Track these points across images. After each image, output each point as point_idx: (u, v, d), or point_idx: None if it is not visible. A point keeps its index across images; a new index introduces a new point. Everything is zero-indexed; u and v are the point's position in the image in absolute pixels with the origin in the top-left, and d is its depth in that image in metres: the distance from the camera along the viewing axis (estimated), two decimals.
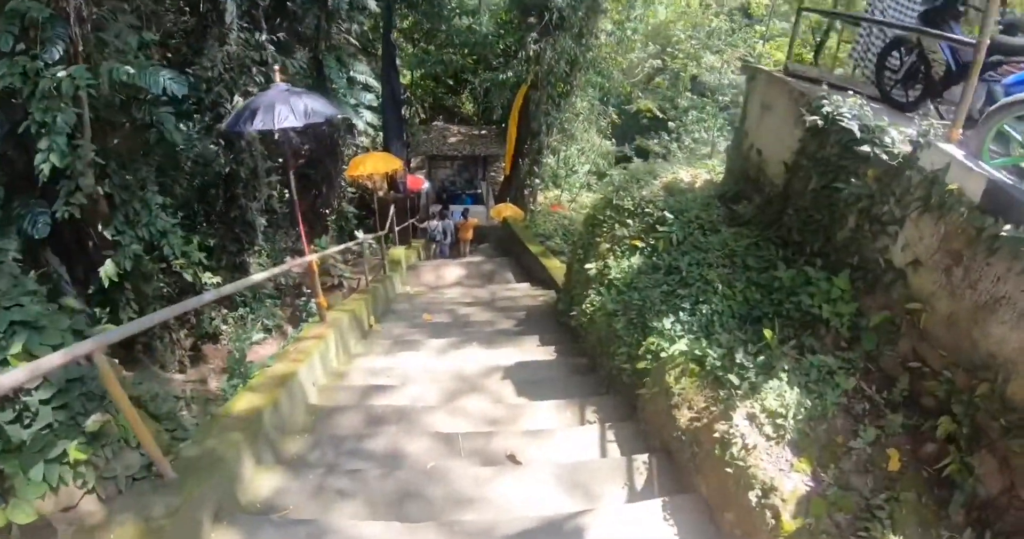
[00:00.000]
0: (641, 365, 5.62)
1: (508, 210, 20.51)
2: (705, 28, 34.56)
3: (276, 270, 6.93)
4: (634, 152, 36.68)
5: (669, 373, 5.15)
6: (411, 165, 29.20)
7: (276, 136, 8.78)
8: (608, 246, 8.11)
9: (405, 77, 29.10)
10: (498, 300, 12.28)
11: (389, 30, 14.75)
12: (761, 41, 34.25)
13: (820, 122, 5.57)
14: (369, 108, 16.55)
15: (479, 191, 29.47)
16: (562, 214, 19.96)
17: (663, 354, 5.36)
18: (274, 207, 14.81)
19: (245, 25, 12.31)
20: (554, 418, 5.89)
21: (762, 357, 4.77)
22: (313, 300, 10.21)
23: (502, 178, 30.60)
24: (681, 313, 5.70)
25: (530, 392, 6.52)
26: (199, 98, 11.89)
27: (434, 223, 21.06)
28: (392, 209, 15.40)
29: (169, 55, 12.26)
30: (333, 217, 18.30)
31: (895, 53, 6.54)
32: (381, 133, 16.38)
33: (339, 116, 8.99)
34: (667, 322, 5.63)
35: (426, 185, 24.53)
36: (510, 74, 24.18)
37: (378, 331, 9.47)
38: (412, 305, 11.81)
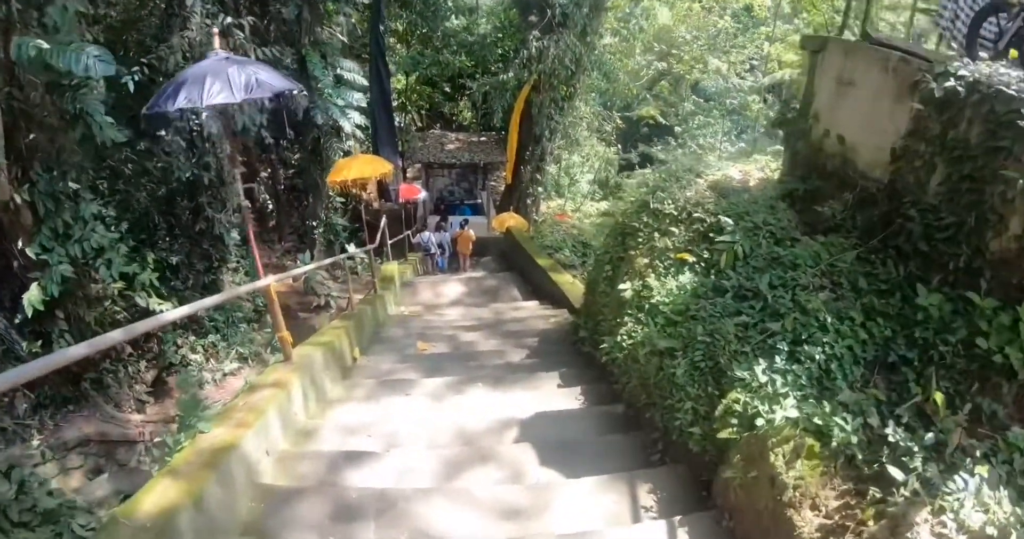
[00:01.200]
0: (723, 433, 3.96)
1: (511, 220, 18.91)
2: (709, 30, 33.07)
3: (216, 299, 5.26)
4: (639, 159, 35.28)
5: (775, 451, 3.50)
6: (407, 174, 27.68)
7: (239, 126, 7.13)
8: (646, 261, 6.49)
9: (399, 82, 27.58)
10: (504, 322, 10.63)
11: (378, 22, 13.17)
12: (767, 42, 32.89)
13: (948, 94, 4.01)
14: (358, 109, 14.96)
15: (479, 201, 27.89)
16: (570, 224, 18.36)
17: (759, 420, 3.70)
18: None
19: (211, 9, 10.70)
20: (597, 506, 4.21)
21: (928, 434, 3.12)
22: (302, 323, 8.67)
23: (503, 187, 29.13)
24: (777, 357, 4.04)
25: (558, 462, 4.85)
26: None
27: (427, 235, 19.44)
28: (384, 220, 13.77)
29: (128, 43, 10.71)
30: (321, 230, 16.67)
31: (992, 19, 5.34)
32: (371, 137, 14.73)
33: (295, 91, 7.31)
34: (758, 370, 3.97)
35: (423, 194, 22.90)
36: (511, 75, 22.66)
37: (363, 366, 7.82)
38: (406, 329, 10.15)
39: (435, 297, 13.80)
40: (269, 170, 18.17)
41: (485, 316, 11.34)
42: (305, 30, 13.85)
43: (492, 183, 29.64)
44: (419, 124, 30.94)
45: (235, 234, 12.28)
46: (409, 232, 20.51)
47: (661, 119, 35.95)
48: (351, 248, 13.18)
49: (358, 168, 11.27)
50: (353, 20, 17.66)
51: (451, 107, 34.04)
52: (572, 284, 12.53)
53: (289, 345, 6.13)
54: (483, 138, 27.46)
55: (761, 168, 7.88)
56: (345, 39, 14.88)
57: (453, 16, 23.94)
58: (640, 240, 6.69)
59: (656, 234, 6.58)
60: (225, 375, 11.97)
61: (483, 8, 27.70)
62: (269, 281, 5.71)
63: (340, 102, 14.75)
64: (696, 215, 6.33)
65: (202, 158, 10.53)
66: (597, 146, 31.58)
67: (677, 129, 34.77)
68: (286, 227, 17.93)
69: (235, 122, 10.16)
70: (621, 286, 6.47)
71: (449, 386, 6.75)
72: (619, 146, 34.04)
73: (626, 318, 6.26)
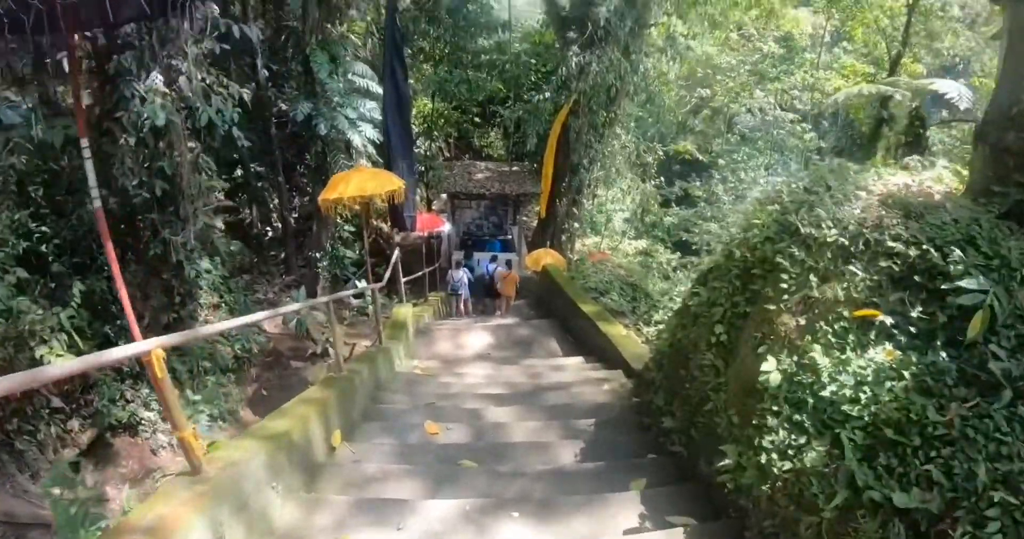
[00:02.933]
0: None
1: (548, 257, 16.41)
2: (752, 57, 30.72)
3: (72, 367, 2.82)
4: (675, 195, 32.85)
5: None
6: (431, 205, 25.39)
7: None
8: (798, 320, 3.92)
9: (424, 105, 25.46)
10: (544, 390, 8.02)
11: (394, 10, 10.91)
12: (811, 70, 30.55)
13: None
14: (371, 122, 12.67)
15: (509, 236, 25.47)
16: (615, 263, 15.80)
17: None
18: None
19: None
20: None
21: None
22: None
23: (535, 222, 26.74)
24: None
25: None
26: None
27: (460, 273, 17.01)
28: (397, 253, 11.31)
29: None
30: (325, 262, 14.26)
31: None
32: (384, 149, 12.37)
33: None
34: None
35: (447, 227, 20.58)
36: (547, 97, 20.45)
37: (341, 463, 5.27)
38: (413, 397, 7.58)
39: (456, 349, 11.22)
40: (275, 192, 15.91)
41: (518, 379, 8.74)
42: (311, 25, 11.62)
43: (523, 218, 27.26)
44: (446, 154, 28.81)
45: (205, 262, 9.90)
46: (431, 268, 18.09)
47: (697, 154, 33.68)
48: (360, 284, 10.81)
49: (358, 183, 8.72)
50: (369, 17, 15.45)
51: (481, 136, 31.97)
52: (627, 338, 9.94)
53: (196, 450, 3.61)
54: (515, 168, 25.20)
55: (934, 180, 5.31)
56: (357, 40, 12.67)
57: (485, 34, 21.73)
58: (785, 286, 4.14)
59: (813, 277, 4.04)
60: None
61: (517, 29, 25.62)
62: (150, 345, 3.20)
63: (351, 113, 12.45)
64: (888, 244, 3.79)
65: (154, 162, 8.11)
66: (636, 180, 29.12)
67: (721, 161, 32.49)
68: (295, 259, 15.56)
69: (197, 116, 7.86)
70: (764, 366, 3.90)
71: (466, 516, 4.15)
72: (661, 179, 31.55)
73: (768, 418, 3.71)
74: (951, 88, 15.31)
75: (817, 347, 3.84)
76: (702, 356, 4.97)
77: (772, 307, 4.17)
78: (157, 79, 7.91)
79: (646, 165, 28.38)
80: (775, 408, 3.83)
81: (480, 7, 20.91)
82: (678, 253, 30.38)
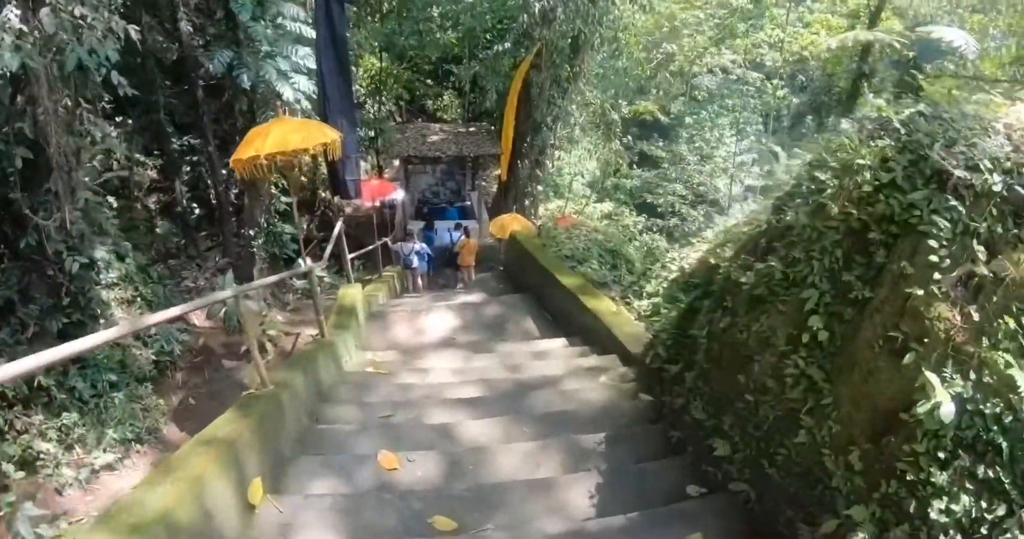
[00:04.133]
0: None
1: (515, 223, 14.78)
2: (720, 11, 29.06)
3: None
4: (637, 158, 31.47)
5: None
6: (382, 172, 23.54)
7: None
8: (967, 311, 2.35)
9: (373, 65, 23.42)
10: (528, 389, 6.47)
11: None
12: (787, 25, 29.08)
13: None
14: (306, 73, 10.81)
15: (468, 203, 23.77)
16: (590, 226, 14.21)
17: None
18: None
19: None
20: None
21: None
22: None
23: (495, 187, 25.09)
24: None
25: None
26: None
27: (410, 245, 15.32)
28: (340, 226, 9.58)
29: None
30: (260, 241, 12.45)
31: None
32: (318, 101, 10.40)
33: None
34: None
35: (400, 194, 18.76)
36: (507, 47, 18.66)
37: (261, 534, 3.67)
38: (363, 410, 5.94)
39: (416, 334, 9.57)
40: (193, 158, 13.96)
41: (494, 373, 7.15)
42: None
43: (482, 183, 25.55)
44: (398, 119, 26.83)
45: (101, 251, 8.10)
46: (385, 241, 16.35)
47: (659, 115, 32.26)
48: (304, 263, 9.20)
49: (278, 137, 6.69)
50: None
51: (435, 97, 30.01)
52: (617, 315, 8.44)
53: None
54: (472, 129, 23.36)
55: None
56: None
57: None
58: (934, 259, 2.62)
59: (975, 243, 2.50)
60: (96, 471, 7.75)
61: None
62: None
63: (282, 63, 10.58)
64: None
65: (11, 122, 6.23)
66: (601, 139, 27.54)
67: (688, 120, 31.12)
68: (232, 239, 13.67)
69: (65, 56, 6.00)
70: (919, 386, 2.40)
71: None
72: (629, 138, 30.05)
73: (933, 471, 2.23)
74: (956, 36, 13.87)
75: (1004, 357, 2.35)
76: (779, 360, 3.45)
77: (917, 292, 2.63)
78: (11, 12, 6.03)
79: (611, 123, 26.77)
80: (942, 455, 2.34)
81: None
82: (644, 215, 29.22)
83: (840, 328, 3.22)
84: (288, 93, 10.27)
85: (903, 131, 3.16)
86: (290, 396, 5.12)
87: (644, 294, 9.65)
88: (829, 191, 3.48)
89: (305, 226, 18.83)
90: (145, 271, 10.52)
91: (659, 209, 29.74)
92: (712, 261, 6.21)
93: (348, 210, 23.49)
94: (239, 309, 4.88)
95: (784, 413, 3.46)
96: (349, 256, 10.50)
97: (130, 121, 12.89)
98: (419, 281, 15.99)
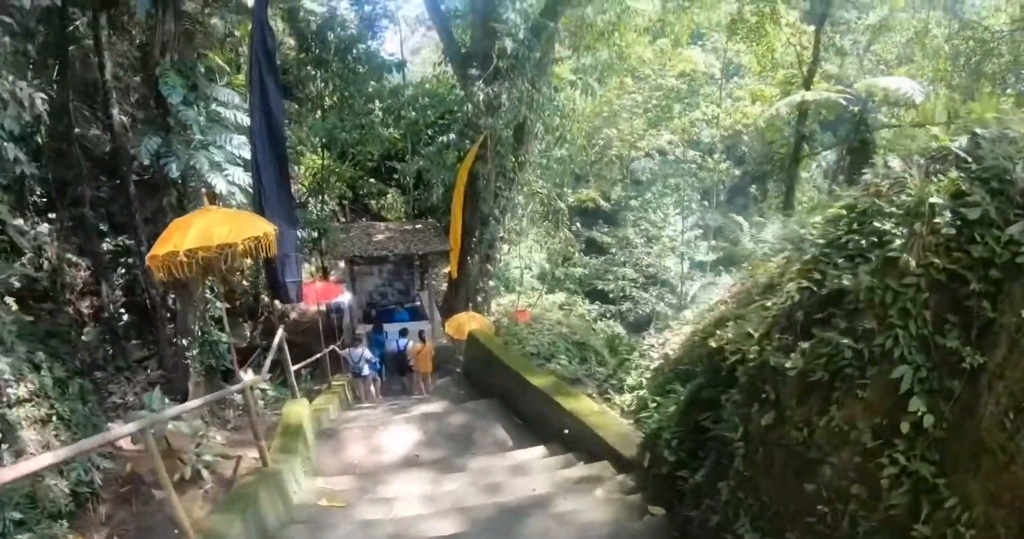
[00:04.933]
0: None
1: (473, 322, 13.88)
2: (656, 93, 29.57)
3: None
4: (584, 246, 31.26)
5: None
6: (327, 274, 22.55)
7: None
8: None
9: (314, 161, 22.82)
10: (514, 516, 5.43)
11: (263, 13, 8.22)
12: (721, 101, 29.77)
13: None
14: (241, 163, 9.96)
15: (418, 303, 22.78)
16: (552, 319, 13.41)
17: None
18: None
19: None
20: None
21: None
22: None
23: (445, 285, 24.26)
24: None
25: None
26: None
27: (357, 351, 14.25)
28: (281, 334, 8.53)
29: None
30: (195, 351, 11.24)
31: None
32: (253, 194, 9.41)
33: None
34: None
35: (347, 296, 17.77)
36: (451, 137, 18.24)
37: None
38: None
39: (373, 453, 8.38)
40: (128, 261, 12.87)
41: (471, 500, 6.05)
42: (162, 40, 8.99)
43: (431, 282, 24.69)
44: (341, 219, 26.10)
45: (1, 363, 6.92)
46: (333, 347, 15.21)
47: (601, 202, 32.39)
48: (246, 375, 8.12)
49: (200, 230, 5.62)
50: (238, 34, 12.75)
51: (379, 196, 29.54)
52: (601, 415, 7.53)
53: None
54: (419, 226, 22.69)
55: None
56: (220, 58, 10.03)
57: (376, 78, 19.37)
58: None
59: None
60: None
61: (412, 72, 23.46)
62: None
63: (215, 154, 9.73)
64: None
65: None
66: (550, 228, 27.14)
67: (634, 202, 31.21)
68: (168, 348, 12.39)
69: None
70: None
71: None
72: (578, 225, 29.85)
73: None
74: (902, 83, 14.06)
75: None
76: (867, 459, 2.57)
77: None
78: None
79: (559, 212, 26.52)
80: None
81: (369, 49, 18.63)
82: (596, 303, 28.76)
83: (949, 407, 2.38)
84: (221, 185, 9.36)
85: (970, 159, 2.43)
86: None
87: (625, 387, 8.74)
88: (898, 242, 2.70)
89: (248, 334, 17.62)
90: (64, 385, 9.21)
91: (610, 295, 29.45)
92: (712, 344, 5.36)
93: (293, 315, 22.30)
94: (147, 441, 3.81)
95: (881, 523, 2.57)
96: (294, 367, 9.37)
97: (62, 220, 11.92)
98: (371, 389, 14.84)
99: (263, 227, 6.30)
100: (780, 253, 5.91)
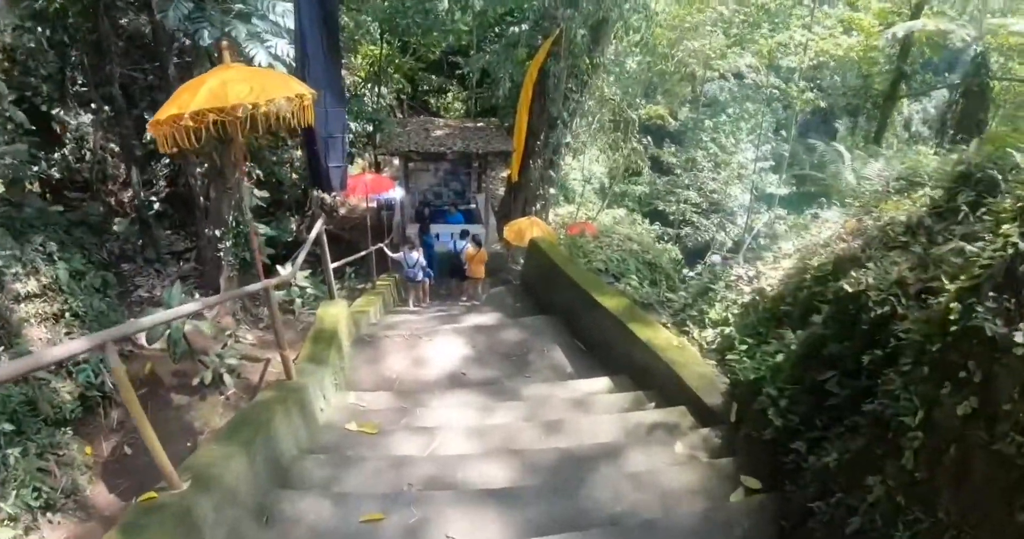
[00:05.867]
0: None
1: (535, 228, 12.78)
2: (741, 11, 26.96)
3: None
4: (648, 164, 29.53)
5: None
6: (380, 168, 21.52)
7: None
8: None
9: (371, 51, 21.41)
10: (580, 465, 4.45)
11: None
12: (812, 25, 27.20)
13: None
14: (285, 37, 8.73)
15: (473, 206, 21.66)
16: (622, 233, 12.15)
17: None
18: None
19: None
20: None
21: None
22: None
23: (502, 190, 23.08)
24: None
25: None
26: None
27: (413, 256, 13.29)
28: (319, 225, 7.50)
29: None
30: (229, 243, 10.38)
31: None
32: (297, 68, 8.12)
33: None
34: None
35: (399, 192, 16.71)
36: (524, 29, 16.68)
37: None
38: (337, 502, 3.89)
39: (415, 367, 7.47)
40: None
41: (527, 440, 5.06)
42: None
43: (489, 186, 23.47)
44: (399, 114, 24.82)
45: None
46: (382, 245, 14.27)
47: (670, 119, 30.39)
48: (284, 269, 7.25)
49: (212, 89, 4.46)
50: None
51: (440, 98, 28.11)
52: (680, 350, 6.41)
53: None
54: (480, 124, 21.29)
55: None
56: None
57: None
58: None
59: None
60: None
61: None
62: None
63: (256, 24, 8.50)
64: None
65: None
66: (618, 139, 25.49)
67: (708, 123, 29.19)
68: (204, 239, 11.60)
69: None
70: None
71: None
72: (649, 139, 28.12)
73: None
74: None
75: None
76: None
77: None
78: None
79: (630, 123, 24.76)
80: None
81: None
82: (657, 223, 27.55)
83: None
84: (261, 57, 8.18)
85: None
86: (215, 504, 3.07)
87: (707, 321, 7.58)
88: None
89: (294, 228, 16.85)
90: (81, 277, 8.43)
91: (671, 217, 28.21)
92: (848, 288, 4.20)
93: (342, 211, 21.42)
94: (110, 357, 2.81)
95: None
96: (335, 265, 8.40)
97: (102, 110, 11.04)
98: (420, 293, 14.00)
99: (297, 88, 5.07)
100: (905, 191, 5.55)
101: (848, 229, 6.54)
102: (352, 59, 21.44)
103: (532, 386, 6.72)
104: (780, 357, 4.84)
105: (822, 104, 30.04)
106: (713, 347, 6.96)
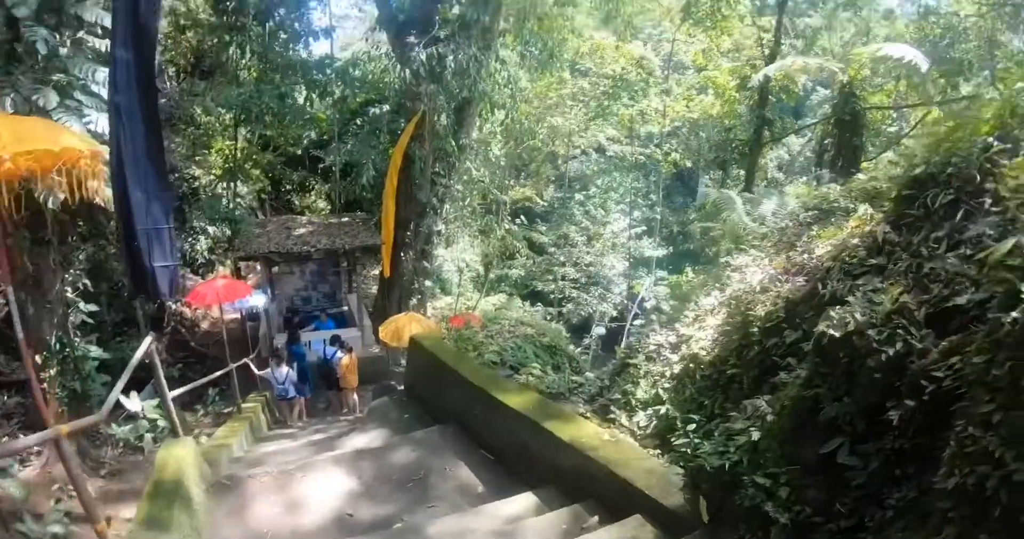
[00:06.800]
0: None
1: (415, 324, 11.53)
2: (600, 83, 27.75)
3: None
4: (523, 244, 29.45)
5: None
6: (239, 274, 19.77)
7: None
8: None
9: (223, 146, 20.04)
10: None
11: None
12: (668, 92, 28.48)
13: None
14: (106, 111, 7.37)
15: (345, 308, 20.17)
16: (513, 319, 11.08)
17: None
18: None
19: None
20: None
21: None
22: None
23: (375, 289, 21.78)
24: None
25: None
26: None
27: (281, 371, 11.86)
28: (148, 341, 5.91)
29: None
30: (53, 369, 8.49)
31: None
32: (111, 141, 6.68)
33: None
34: None
35: (259, 300, 15.13)
36: (385, 109, 15.88)
37: None
38: None
39: (288, 515, 5.84)
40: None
41: None
42: None
43: (360, 285, 22.08)
44: (261, 216, 23.33)
45: None
46: (246, 360, 12.57)
47: (538, 200, 30.67)
48: (129, 402, 5.72)
49: None
50: None
51: (303, 197, 26.99)
52: (616, 446, 5.24)
53: None
54: (345, 219, 20.06)
55: None
56: None
57: (300, 43, 16.91)
58: None
59: None
60: None
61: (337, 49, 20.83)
62: None
63: (79, 99, 7.09)
64: None
65: None
66: (490, 223, 24.93)
67: (579, 196, 29.73)
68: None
69: None
70: None
71: None
72: (522, 218, 27.98)
73: None
74: (906, 51, 12.40)
75: None
76: None
77: None
78: None
79: (500, 205, 24.32)
80: None
81: (295, 11, 16.25)
82: (538, 304, 27.31)
83: None
84: (74, 126, 6.70)
85: None
86: None
87: (634, 403, 6.47)
88: None
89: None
90: None
91: (550, 296, 28.17)
92: (831, 331, 3.38)
93: (205, 325, 19.42)
94: None
95: None
96: (172, 392, 6.74)
97: None
98: (295, 412, 12.43)
99: (69, 141, 3.72)
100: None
101: (779, 268, 5.75)
102: (206, 155, 20.14)
103: (439, 520, 5.29)
104: (755, 434, 3.81)
105: (688, 163, 31.36)
106: (649, 432, 5.86)
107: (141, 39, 6.03)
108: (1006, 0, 17.64)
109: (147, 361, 5.90)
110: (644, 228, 30.47)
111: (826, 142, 16.07)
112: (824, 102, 28.01)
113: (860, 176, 7.49)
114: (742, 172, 22.85)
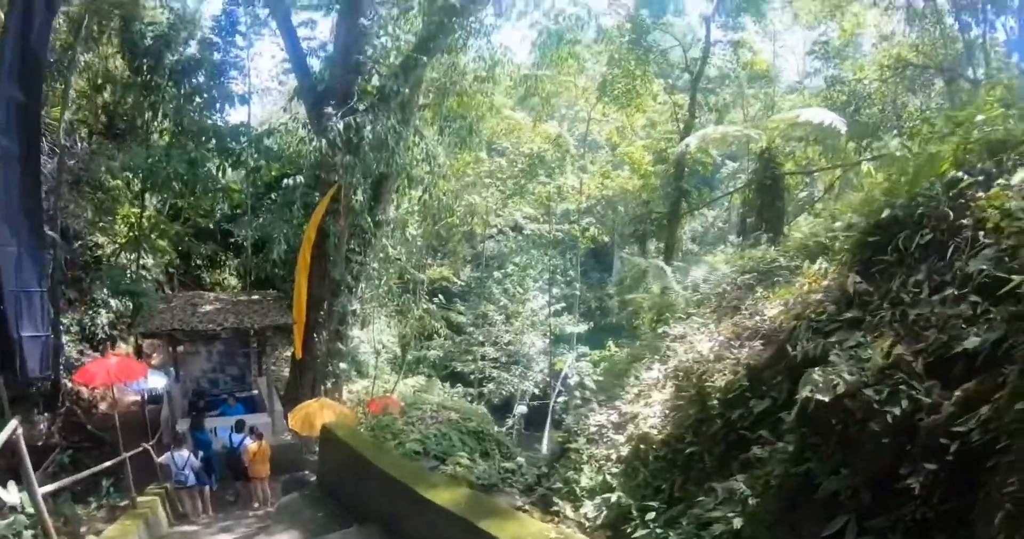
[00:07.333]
0: None
1: (327, 411, 10.77)
2: (518, 161, 28.13)
3: None
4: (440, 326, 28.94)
5: None
6: (141, 354, 18.48)
7: None
8: None
9: (127, 212, 19.10)
10: None
11: None
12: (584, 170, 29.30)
13: None
14: None
15: (255, 392, 18.94)
16: (434, 403, 10.46)
17: None
18: None
19: None
20: None
21: None
22: None
23: (287, 372, 20.69)
24: None
25: None
26: None
27: (182, 456, 10.90)
28: (13, 425, 5.06)
29: None
30: None
31: None
32: None
33: None
34: None
35: (159, 381, 14.05)
36: (299, 180, 15.36)
37: None
38: None
39: None
40: None
41: None
42: None
43: (271, 367, 20.93)
44: (168, 291, 22.05)
45: None
46: (146, 446, 11.47)
47: (455, 279, 30.57)
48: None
49: None
50: None
51: (214, 273, 25.94)
52: None
53: None
54: (255, 297, 19.09)
55: None
56: None
57: (216, 109, 16.45)
58: None
59: None
60: None
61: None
62: None
63: None
64: None
65: None
66: (407, 303, 24.28)
67: (498, 274, 29.73)
68: None
69: None
70: None
71: None
72: (440, 298, 27.64)
73: None
74: (824, 115, 12.92)
75: None
76: None
77: None
78: None
79: (417, 284, 23.86)
80: None
81: (212, 77, 15.87)
82: (458, 385, 26.84)
83: None
84: None
85: None
86: None
87: (579, 492, 5.94)
88: None
89: (43, 428, 13.57)
90: None
91: (470, 376, 28.10)
92: (819, 397, 3.11)
93: (103, 406, 17.88)
94: None
95: None
96: (39, 491, 5.81)
97: None
98: (198, 504, 11.39)
99: None
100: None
101: (729, 334, 5.51)
102: (112, 222, 19.09)
103: None
104: (736, 521, 3.39)
105: (605, 238, 31.86)
106: (600, 523, 5.33)
107: (30, 75, 5.45)
108: (907, 64, 19.03)
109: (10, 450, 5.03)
110: (563, 304, 30.70)
111: (745, 209, 16.50)
112: (734, 175, 29.13)
113: (796, 235, 7.40)
114: (661, 245, 23.25)
